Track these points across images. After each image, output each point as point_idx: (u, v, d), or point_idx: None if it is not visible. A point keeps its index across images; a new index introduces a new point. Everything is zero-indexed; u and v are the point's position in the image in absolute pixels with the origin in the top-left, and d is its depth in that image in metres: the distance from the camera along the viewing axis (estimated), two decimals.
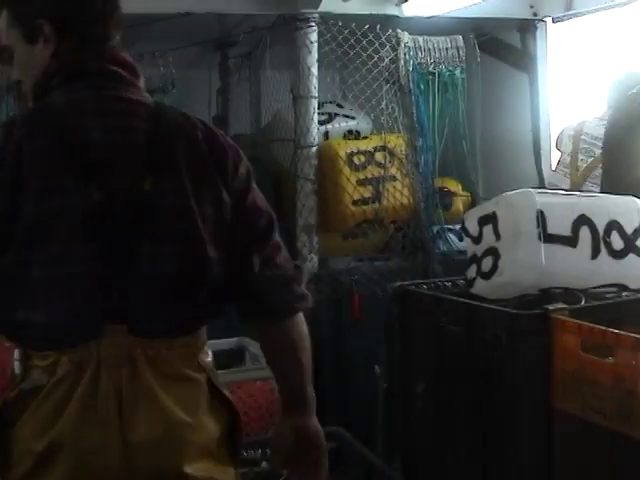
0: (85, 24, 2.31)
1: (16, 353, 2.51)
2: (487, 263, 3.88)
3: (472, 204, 6.14)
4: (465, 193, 6.23)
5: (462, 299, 3.87)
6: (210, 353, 2.39)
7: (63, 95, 2.26)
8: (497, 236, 3.85)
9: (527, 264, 3.76)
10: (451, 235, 5.96)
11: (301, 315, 2.44)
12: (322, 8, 5.41)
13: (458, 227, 5.84)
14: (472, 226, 4.00)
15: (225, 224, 2.30)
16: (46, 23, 2.29)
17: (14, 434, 2.21)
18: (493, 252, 3.85)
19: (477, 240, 3.96)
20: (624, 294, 3.81)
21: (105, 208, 2.16)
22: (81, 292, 2.17)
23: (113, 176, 2.18)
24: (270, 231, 2.40)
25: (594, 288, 3.77)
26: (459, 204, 6.17)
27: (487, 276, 3.87)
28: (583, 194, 4.43)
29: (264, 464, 3.82)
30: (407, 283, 4.35)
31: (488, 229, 3.89)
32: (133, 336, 2.19)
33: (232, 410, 2.38)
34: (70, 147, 2.18)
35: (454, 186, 6.18)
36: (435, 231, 5.87)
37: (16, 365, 2.38)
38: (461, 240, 5.80)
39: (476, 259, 3.95)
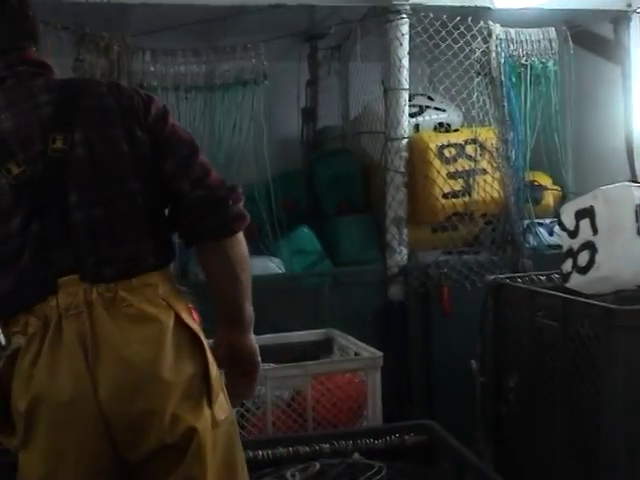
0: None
1: None
2: (584, 257, 3.84)
3: (563, 198, 6.07)
4: (556, 187, 6.14)
5: (559, 293, 3.84)
6: (183, 290, 2.53)
7: None
8: (594, 230, 3.81)
9: (625, 259, 3.72)
10: (541, 229, 5.88)
11: (240, 235, 2.50)
12: (413, 0, 5.38)
13: (548, 221, 5.82)
14: (568, 220, 3.96)
15: (144, 158, 2.46)
16: None
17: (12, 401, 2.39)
18: (590, 246, 3.81)
19: (573, 234, 3.92)
20: None
21: (28, 177, 2.39)
22: (27, 257, 2.37)
23: (27, 149, 2.41)
24: (193, 156, 2.51)
25: None
26: (550, 198, 6.10)
27: (584, 271, 3.84)
28: None
29: (355, 455, 3.82)
30: (502, 276, 4.33)
31: (585, 223, 3.86)
32: (86, 283, 2.34)
33: (202, 349, 2.44)
34: None
35: (545, 180, 6.11)
36: (525, 225, 5.79)
37: (1, 337, 2.54)
38: (551, 235, 5.77)
39: (572, 253, 3.91)
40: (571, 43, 5.94)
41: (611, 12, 6.00)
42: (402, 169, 5.47)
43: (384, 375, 4.34)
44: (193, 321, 2.48)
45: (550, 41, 5.81)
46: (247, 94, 5.41)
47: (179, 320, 2.40)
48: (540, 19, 5.82)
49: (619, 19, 6.03)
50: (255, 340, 2.64)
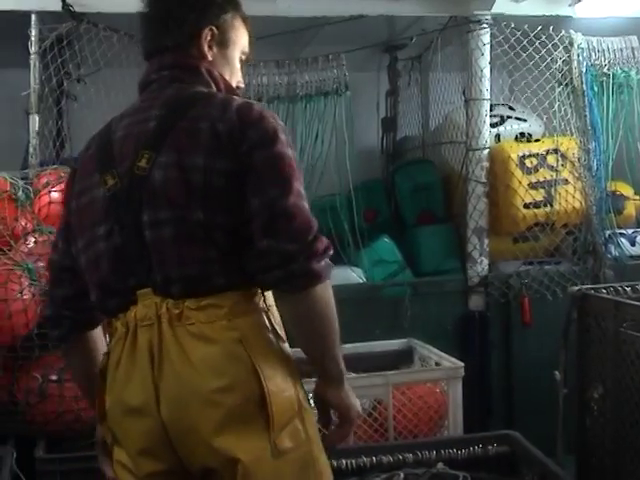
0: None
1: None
2: None
3: None
4: (638, 197, 6.08)
5: None
6: (263, 319, 2.41)
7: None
8: None
9: None
10: (623, 240, 5.83)
11: (316, 291, 2.31)
12: (495, 9, 5.38)
13: (630, 231, 5.76)
14: None
15: (219, 190, 2.35)
16: None
17: None
18: None
19: None
20: None
21: (117, 190, 2.44)
22: (107, 265, 2.45)
23: (123, 162, 2.45)
24: (281, 198, 2.32)
25: None
26: (631, 208, 6.04)
27: None
28: None
29: (439, 465, 3.82)
30: (586, 287, 4.29)
31: None
32: (158, 297, 2.37)
33: (258, 377, 2.34)
34: (102, 150, 2.54)
35: (627, 190, 6.04)
36: (607, 235, 5.75)
37: (106, 336, 2.66)
38: (633, 245, 5.74)
39: None
40: None
41: None
42: (483, 179, 5.49)
43: (465, 385, 4.34)
44: (264, 344, 2.40)
45: (632, 50, 5.77)
46: (329, 104, 5.46)
47: (241, 343, 2.34)
48: (622, 27, 5.79)
49: None
50: (351, 396, 2.50)
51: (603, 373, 4.02)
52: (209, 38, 2.59)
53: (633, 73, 5.75)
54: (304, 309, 2.36)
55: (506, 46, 5.44)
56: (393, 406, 4.17)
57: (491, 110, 5.59)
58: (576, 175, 5.62)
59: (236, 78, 2.70)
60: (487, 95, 5.48)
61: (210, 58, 2.60)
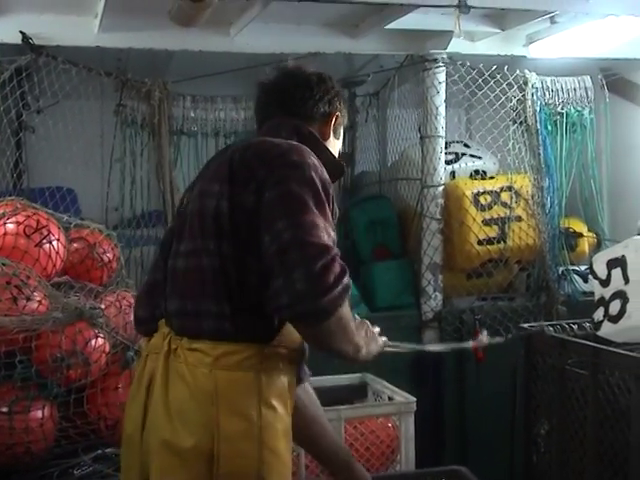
0: None
1: None
2: (615, 306, 3.86)
3: (598, 245, 6.09)
4: (591, 234, 6.15)
5: (589, 342, 3.85)
6: (249, 379, 2.36)
7: None
8: (626, 280, 3.83)
9: None
10: (576, 276, 5.89)
11: (323, 325, 2.28)
12: (450, 48, 5.45)
13: (583, 268, 5.81)
14: (600, 269, 3.98)
15: (226, 216, 2.38)
16: None
17: None
18: (621, 295, 3.83)
19: (605, 283, 3.94)
20: None
21: (168, 229, 2.72)
22: (142, 296, 2.67)
23: (180, 206, 2.66)
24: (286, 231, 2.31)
25: None
26: (584, 245, 6.11)
27: (615, 319, 3.85)
28: None
29: None
30: (534, 324, 4.34)
31: (617, 272, 3.88)
32: (167, 328, 2.45)
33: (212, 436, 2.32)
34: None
35: (580, 227, 6.12)
36: (560, 272, 5.82)
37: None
38: (586, 281, 5.77)
39: (604, 302, 3.93)
40: (607, 91, 5.98)
41: None
42: (438, 216, 5.54)
43: (419, 420, 4.36)
44: (236, 403, 2.35)
45: (586, 89, 5.88)
46: None
47: (212, 397, 2.32)
48: (576, 67, 5.88)
49: None
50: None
51: (549, 410, 4.06)
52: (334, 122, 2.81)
53: (586, 112, 5.85)
54: (317, 342, 2.39)
55: (461, 84, 5.52)
56: (345, 440, 4.17)
57: (446, 147, 5.65)
58: (530, 212, 5.68)
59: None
60: (442, 132, 5.54)
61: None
